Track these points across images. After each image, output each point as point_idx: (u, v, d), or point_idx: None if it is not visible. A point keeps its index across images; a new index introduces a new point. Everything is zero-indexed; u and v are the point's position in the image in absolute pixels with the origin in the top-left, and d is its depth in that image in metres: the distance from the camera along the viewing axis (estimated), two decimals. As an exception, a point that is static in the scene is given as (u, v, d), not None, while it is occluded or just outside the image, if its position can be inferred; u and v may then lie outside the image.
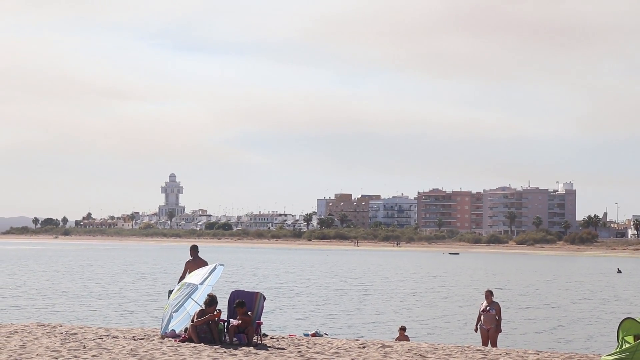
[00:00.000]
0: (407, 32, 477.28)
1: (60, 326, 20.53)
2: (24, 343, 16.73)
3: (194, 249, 20.64)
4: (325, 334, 24.51)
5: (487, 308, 21.27)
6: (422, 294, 57.93)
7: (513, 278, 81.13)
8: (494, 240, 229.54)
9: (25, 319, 33.23)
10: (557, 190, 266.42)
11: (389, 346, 17.76)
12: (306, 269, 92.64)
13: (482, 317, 21.31)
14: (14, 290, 52.34)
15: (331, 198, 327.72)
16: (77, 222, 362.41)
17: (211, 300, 17.72)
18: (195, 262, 20.27)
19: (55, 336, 18.06)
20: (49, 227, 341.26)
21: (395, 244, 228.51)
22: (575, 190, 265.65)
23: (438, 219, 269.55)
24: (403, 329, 23.43)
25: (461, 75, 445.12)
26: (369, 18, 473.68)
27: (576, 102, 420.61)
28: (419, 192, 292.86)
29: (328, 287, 62.27)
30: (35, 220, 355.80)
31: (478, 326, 21.46)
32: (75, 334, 18.66)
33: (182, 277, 20.01)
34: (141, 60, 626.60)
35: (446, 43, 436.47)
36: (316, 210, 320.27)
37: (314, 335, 22.77)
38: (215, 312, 17.57)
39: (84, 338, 17.84)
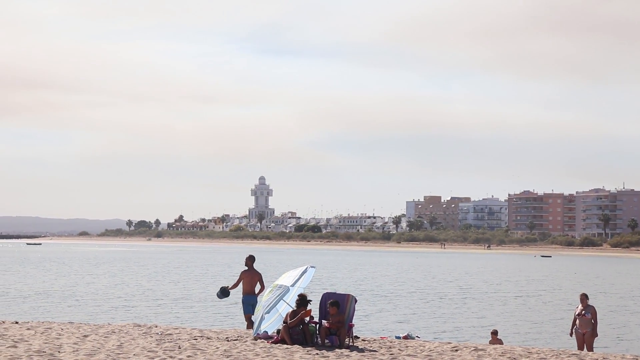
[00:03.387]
0: (494, 32, 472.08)
1: (156, 327, 20.89)
2: (121, 343, 17.07)
3: (250, 259, 20.99)
4: (417, 336, 24.35)
5: (583, 312, 20.86)
6: (521, 297, 56.99)
7: (615, 281, 78.92)
8: (588, 242, 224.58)
9: (126, 319, 33.84)
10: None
11: (482, 349, 17.52)
12: (401, 271, 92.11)
13: (577, 320, 20.91)
14: (115, 292, 53.37)
15: (420, 200, 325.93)
16: (169, 225, 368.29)
17: (302, 301, 17.82)
18: (251, 272, 20.86)
19: (151, 336, 18.38)
20: (142, 229, 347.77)
21: (486, 247, 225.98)
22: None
23: (529, 221, 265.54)
24: (495, 332, 23.15)
25: (550, 76, 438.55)
26: (455, 19, 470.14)
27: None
28: (509, 194, 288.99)
29: (426, 290, 61.74)
30: (129, 223, 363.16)
31: (573, 330, 21.06)
32: (170, 334, 18.95)
33: (235, 286, 20.93)
34: (230, 64, 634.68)
35: (534, 43, 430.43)
36: (405, 213, 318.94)
37: (406, 337, 22.66)
38: (305, 311, 17.66)
39: (179, 339, 18.10)
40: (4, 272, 75.76)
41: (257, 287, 21.01)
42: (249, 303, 20.79)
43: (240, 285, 21.14)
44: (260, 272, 21.41)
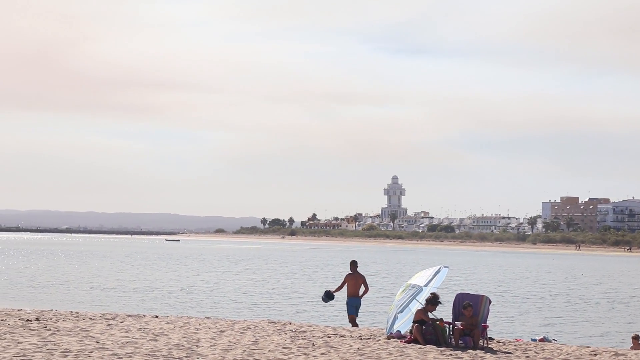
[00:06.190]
0: (635, 28, 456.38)
1: (290, 324, 21.15)
2: (257, 339, 17.35)
3: (354, 264, 22.39)
4: (554, 339, 23.77)
5: None
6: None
7: None
8: None
9: (263, 316, 34.23)
10: None
11: (622, 354, 16.95)
12: (541, 273, 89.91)
13: None
14: (255, 289, 54.10)
15: (557, 201, 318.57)
16: (302, 223, 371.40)
17: (433, 299, 17.75)
18: (354, 276, 22.18)
19: (285, 333, 18.61)
20: (276, 227, 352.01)
21: (626, 249, 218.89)
22: None
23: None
24: (637, 337, 22.35)
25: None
26: (598, 15, 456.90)
27: None
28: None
29: (569, 293, 59.99)
30: (264, 221, 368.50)
31: None
32: (304, 331, 19.14)
33: (339, 289, 22.29)
34: (364, 64, 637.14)
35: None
36: (541, 214, 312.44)
37: (542, 340, 22.16)
38: (436, 317, 17.62)
39: (313, 336, 18.26)
40: (148, 268, 78.01)
41: (361, 290, 22.18)
42: (353, 305, 22.14)
43: (345, 287, 22.32)
44: (364, 274, 22.70)
